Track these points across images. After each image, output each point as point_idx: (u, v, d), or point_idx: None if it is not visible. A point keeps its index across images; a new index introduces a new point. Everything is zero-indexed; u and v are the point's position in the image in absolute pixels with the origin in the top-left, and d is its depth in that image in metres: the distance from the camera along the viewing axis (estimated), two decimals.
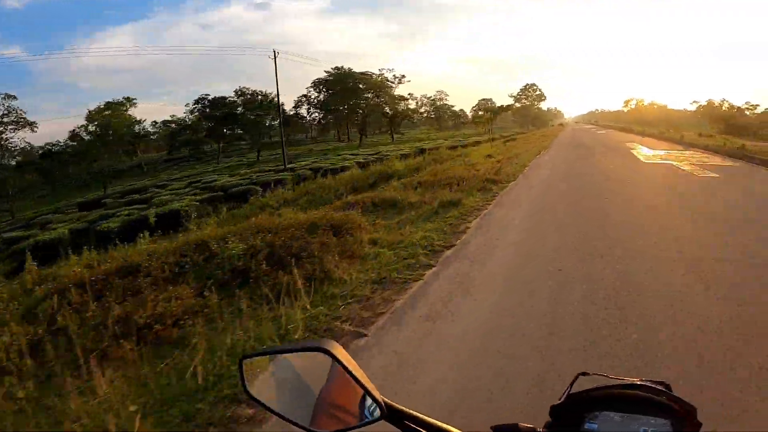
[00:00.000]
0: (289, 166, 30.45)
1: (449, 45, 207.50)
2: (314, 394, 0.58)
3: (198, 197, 19.99)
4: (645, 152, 20.20)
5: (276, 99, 43.73)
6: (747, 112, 69.06)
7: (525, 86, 77.58)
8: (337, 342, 0.57)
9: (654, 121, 72.44)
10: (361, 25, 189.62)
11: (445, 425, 0.56)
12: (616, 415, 0.66)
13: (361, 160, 26.16)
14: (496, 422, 0.65)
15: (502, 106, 36.45)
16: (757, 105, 71.08)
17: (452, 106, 74.90)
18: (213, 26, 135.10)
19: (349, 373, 0.51)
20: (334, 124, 60.18)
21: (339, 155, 35.36)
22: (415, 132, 65.36)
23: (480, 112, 34.24)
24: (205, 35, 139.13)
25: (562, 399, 0.67)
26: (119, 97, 48.41)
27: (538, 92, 77.15)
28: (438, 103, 71.69)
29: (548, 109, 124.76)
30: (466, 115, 72.07)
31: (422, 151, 24.63)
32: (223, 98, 50.32)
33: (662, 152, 20.02)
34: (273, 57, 31.55)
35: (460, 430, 0.53)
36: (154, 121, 54.90)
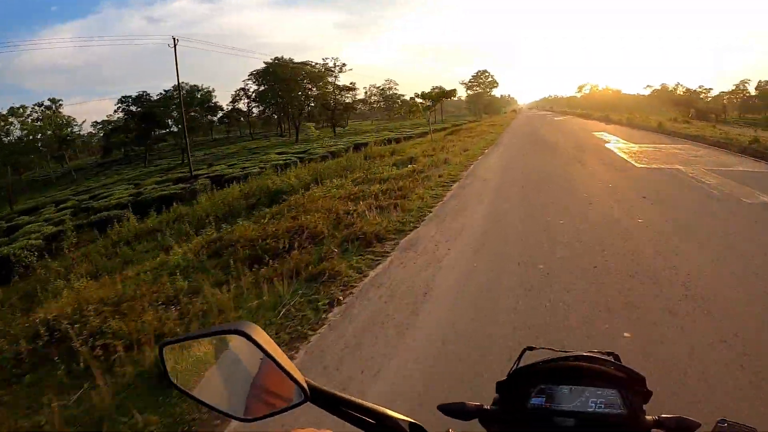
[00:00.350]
0: (197, 172, 27.65)
1: (403, 34, 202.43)
2: (241, 379, 0.56)
3: (51, 230, 15.42)
4: (626, 148, 14.54)
5: (212, 93, 41.49)
6: (701, 96, 68.90)
7: (477, 73, 75.73)
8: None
9: (609, 106, 72.59)
10: (314, 15, 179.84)
11: (371, 404, 0.54)
12: (563, 388, 0.66)
13: (281, 162, 23.38)
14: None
15: (442, 90, 28.89)
16: (711, 89, 71.29)
17: (402, 95, 70.80)
18: (161, 20, 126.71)
19: (268, 355, 0.49)
20: (277, 118, 56.78)
21: (267, 154, 33.27)
22: (363, 124, 62.15)
23: (419, 100, 27.99)
24: (152, 29, 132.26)
25: (508, 375, 0.68)
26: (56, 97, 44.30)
27: (490, 79, 75.23)
28: (388, 92, 69.01)
29: (501, 96, 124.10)
30: (418, 105, 71.15)
31: (357, 146, 23.36)
32: (144, 95, 46.26)
33: (649, 147, 14.46)
34: (173, 45, 27.97)
35: (398, 412, 0.51)
36: (95, 122, 50.15)
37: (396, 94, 69.33)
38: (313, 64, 53.96)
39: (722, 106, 49.79)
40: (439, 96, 27.73)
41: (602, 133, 21.44)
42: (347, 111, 56.87)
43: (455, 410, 0.68)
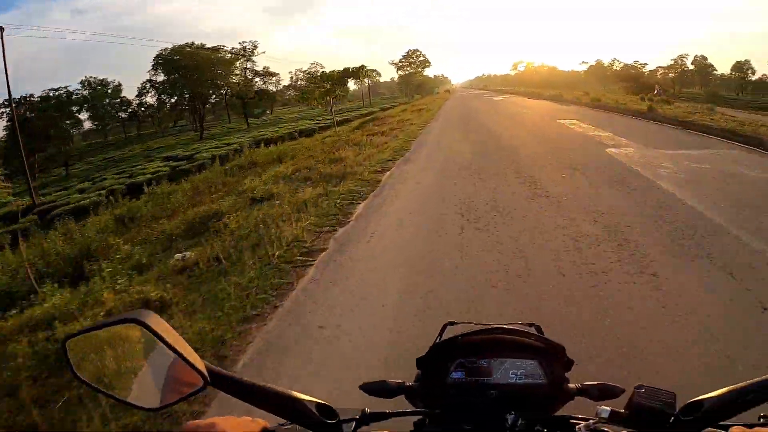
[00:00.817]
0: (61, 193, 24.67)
1: (336, 16, 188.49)
2: (144, 369, 0.56)
3: None
4: (669, 163, 6.67)
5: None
6: (633, 71, 67.35)
7: (408, 52, 70.85)
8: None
9: (546, 83, 69.73)
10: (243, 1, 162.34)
11: (275, 387, 0.54)
12: (482, 361, 0.66)
13: (149, 175, 21.08)
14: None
15: (347, 69, 19.43)
16: (646, 64, 70.01)
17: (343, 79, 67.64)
18: (86, 11, 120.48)
19: (166, 343, 0.48)
20: (189, 111, 49.84)
21: (152, 159, 30.74)
22: (290, 111, 56.40)
23: (310, 85, 19.98)
24: (77, 21, 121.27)
25: (428, 351, 0.68)
26: None
27: (422, 58, 70.69)
28: (315, 76, 63.94)
29: (435, 76, 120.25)
30: (348, 88, 69.32)
31: (258, 144, 20.50)
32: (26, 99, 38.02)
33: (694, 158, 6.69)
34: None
35: (295, 390, 0.53)
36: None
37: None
38: (226, 49, 47.99)
39: (671, 81, 46.24)
40: (343, 77, 18.81)
41: (573, 122, 13.98)
42: (265, 99, 50.74)
43: (377, 389, 0.69)
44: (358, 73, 19.59)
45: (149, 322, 0.48)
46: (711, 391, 0.54)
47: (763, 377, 0.53)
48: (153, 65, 44.04)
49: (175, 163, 25.68)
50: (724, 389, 0.54)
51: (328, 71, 19.80)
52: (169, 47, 44.29)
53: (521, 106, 23.20)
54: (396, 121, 18.04)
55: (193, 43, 46.14)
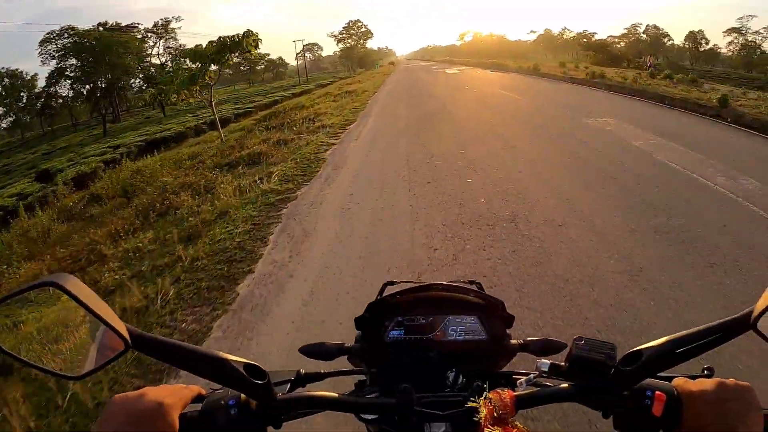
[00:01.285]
0: None
1: None
2: (67, 335, 0.55)
3: None
4: None
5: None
6: (584, 40, 64.30)
7: (349, 23, 66.26)
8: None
9: (495, 53, 65.31)
10: None
11: (200, 348, 0.51)
12: (420, 319, 0.66)
13: None
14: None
15: (224, 41, 10.51)
16: (595, 33, 67.11)
17: (266, 55, 64.15)
18: None
19: (85, 306, 0.45)
20: (108, 100, 41.96)
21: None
22: (219, 91, 52.02)
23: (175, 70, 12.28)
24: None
25: (365, 310, 0.67)
26: None
27: (363, 29, 66.48)
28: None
29: (378, 48, 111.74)
30: (285, 64, 67.13)
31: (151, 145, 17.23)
32: None
33: None
34: None
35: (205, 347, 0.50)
36: None
37: (261, 54, 60.44)
38: (142, 28, 42.33)
39: (637, 52, 42.00)
40: (220, 51, 10.64)
41: (610, 122, 7.92)
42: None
43: (316, 351, 0.68)
44: (241, 44, 11.00)
45: (68, 286, 0.44)
46: (650, 341, 0.53)
47: (702, 326, 0.50)
48: (58, 51, 37.20)
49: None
50: (663, 339, 0.52)
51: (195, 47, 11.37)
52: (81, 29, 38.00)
53: (500, 87, 16.50)
54: (303, 119, 10.86)
55: (106, 23, 40.48)
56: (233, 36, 11.28)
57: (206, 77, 10.98)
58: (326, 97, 17.02)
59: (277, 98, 27.86)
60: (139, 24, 42.46)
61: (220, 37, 11.34)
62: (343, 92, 18.05)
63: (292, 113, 12.67)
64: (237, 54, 11.82)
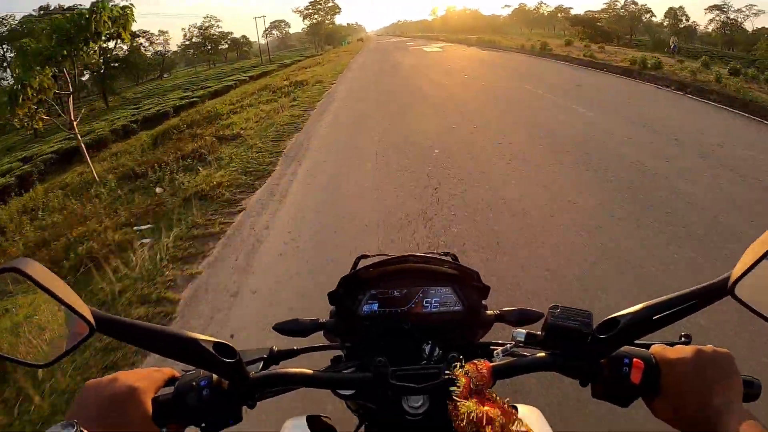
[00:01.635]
0: None
1: None
2: (32, 322, 0.63)
3: None
4: None
5: None
6: (559, 15, 61.66)
7: None
8: None
9: (470, 28, 61.75)
10: None
11: (167, 328, 0.50)
12: (394, 291, 0.65)
13: None
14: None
15: (76, 17, 5.93)
16: (571, 8, 64.43)
17: (230, 34, 61.41)
18: None
19: (48, 291, 0.44)
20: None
21: None
22: (177, 74, 48.52)
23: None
24: None
25: (338, 285, 0.66)
26: None
27: (330, 4, 62.83)
28: (210, 32, 57.49)
29: (348, 24, 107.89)
30: (250, 42, 64.64)
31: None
32: None
33: None
34: None
35: (175, 329, 0.50)
36: None
37: (222, 32, 59.17)
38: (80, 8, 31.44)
39: (629, 29, 39.10)
40: (62, 44, 5.88)
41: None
42: (133, 67, 40.38)
43: (290, 329, 0.66)
44: (89, 27, 6.09)
45: (29, 271, 0.43)
46: (626, 308, 0.51)
47: (679, 293, 0.49)
48: None
49: None
50: (640, 306, 0.51)
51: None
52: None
53: (520, 79, 11.26)
54: (192, 153, 6.45)
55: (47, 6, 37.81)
56: (73, 13, 6.79)
57: (45, 87, 6.40)
58: (259, 96, 11.80)
59: (231, 82, 24.97)
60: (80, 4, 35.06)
61: (52, 18, 6.91)
62: (290, 84, 13.06)
63: (186, 137, 7.82)
64: (103, 41, 7.37)
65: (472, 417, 0.48)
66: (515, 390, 1.72)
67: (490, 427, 0.48)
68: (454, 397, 0.52)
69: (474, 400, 0.50)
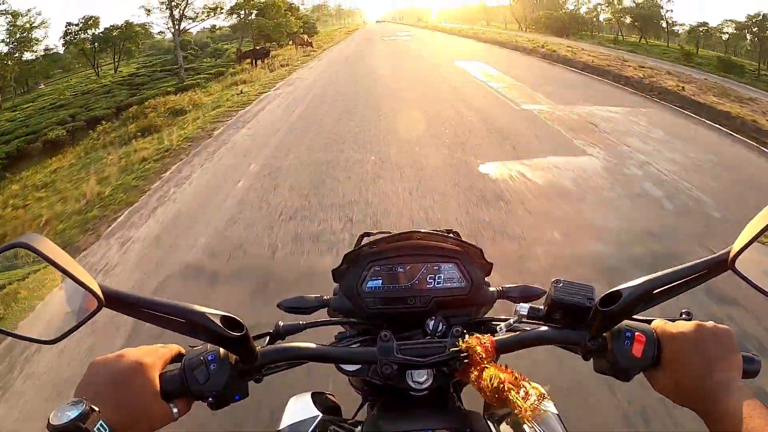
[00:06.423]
0: None
1: None
2: (39, 298, 0.54)
3: None
4: None
5: None
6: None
7: None
8: None
9: (475, 17, 59.85)
10: None
11: (176, 302, 0.51)
12: (398, 268, 0.65)
13: None
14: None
15: None
16: None
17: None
18: None
19: (57, 266, 0.44)
20: None
21: None
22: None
23: None
24: None
25: (341, 261, 0.67)
26: None
27: None
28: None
29: (337, 7, 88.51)
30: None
31: None
32: None
33: None
34: None
35: (180, 300, 0.50)
36: None
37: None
38: None
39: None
40: None
41: None
42: None
43: (295, 306, 0.67)
44: None
45: (38, 246, 0.44)
46: (629, 281, 0.52)
47: (680, 267, 0.50)
48: None
49: None
50: (641, 279, 0.52)
51: None
52: None
53: None
54: None
55: None
56: None
57: None
58: None
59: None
60: None
61: None
62: None
63: None
64: None
65: (496, 383, 0.50)
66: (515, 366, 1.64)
67: (515, 390, 0.49)
68: (458, 370, 0.55)
69: (491, 365, 0.52)
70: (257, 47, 20.70)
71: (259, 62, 17.31)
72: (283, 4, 26.84)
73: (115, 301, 0.48)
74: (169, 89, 17.30)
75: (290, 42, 24.19)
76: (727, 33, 30.94)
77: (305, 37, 22.85)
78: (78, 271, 0.46)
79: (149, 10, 22.23)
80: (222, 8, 24.13)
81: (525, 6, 43.28)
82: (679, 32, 34.18)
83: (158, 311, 0.50)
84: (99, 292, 0.47)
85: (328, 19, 71.14)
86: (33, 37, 22.84)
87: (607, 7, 36.97)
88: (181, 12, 22.02)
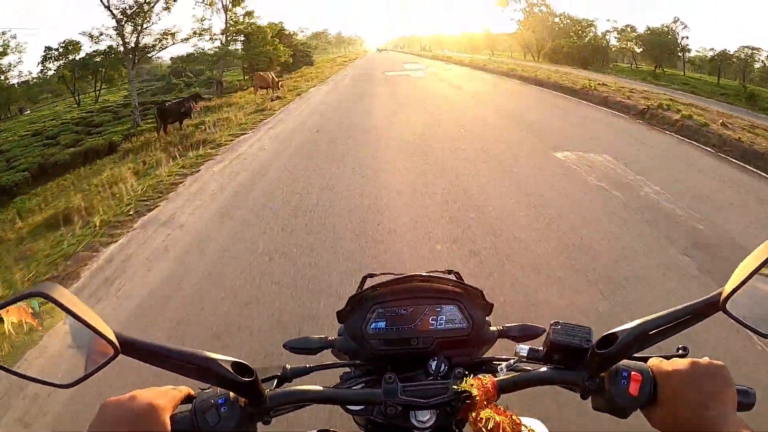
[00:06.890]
0: None
1: None
2: (56, 344, 0.64)
3: None
4: None
5: None
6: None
7: None
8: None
9: (479, 47, 60.62)
10: None
11: (189, 349, 0.53)
12: (401, 310, 0.67)
13: None
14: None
15: None
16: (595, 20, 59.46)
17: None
18: None
19: (73, 314, 0.46)
20: None
21: None
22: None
23: None
24: None
25: (346, 303, 0.69)
26: None
27: None
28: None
29: (337, 35, 79.81)
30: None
31: None
32: None
33: None
34: None
35: (192, 348, 0.52)
36: None
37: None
38: None
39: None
40: None
41: None
42: None
43: (300, 346, 0.70)
44: None
45: (54, 295, 0.45)
46: (625, 324, 0.54)
47: (674, 309, 0.53)
48: None
49: None
50: (638, 321, 0.54)
51: None
52: None
53: None
54: None
55: None
56: None
57: None
58: None
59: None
60: None
61: None
62: None
63: None
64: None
65: (491, 425, 0.52)
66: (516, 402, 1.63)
67: None
68: (474, 405, 0.57)
69: (489, 408, 0.55)
70: (179, 99, 13.66)
71: (171, 127, 11.78)
72: (270, 30, 23.81)
73: (130, 348, 0.50)
74: (114, 138, 14.50)
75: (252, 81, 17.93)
76: (746, 58, 30.05)
77: (270, 75, 16.72)
78: (94, 320, 0.47)
79: (97, 36, 19.09)
80: (174, 35, 19.74)
81: (538, 34, 39.60)
82: (693, 59, 34.17)
83: (172, 358, 0.52)
84: (115, 340, 0.49)
85: (327, 46, 68.53)
86: (6, 62, 20.84)
87: (619, 34, 37.69)
88: (137, 39, 18.57)
